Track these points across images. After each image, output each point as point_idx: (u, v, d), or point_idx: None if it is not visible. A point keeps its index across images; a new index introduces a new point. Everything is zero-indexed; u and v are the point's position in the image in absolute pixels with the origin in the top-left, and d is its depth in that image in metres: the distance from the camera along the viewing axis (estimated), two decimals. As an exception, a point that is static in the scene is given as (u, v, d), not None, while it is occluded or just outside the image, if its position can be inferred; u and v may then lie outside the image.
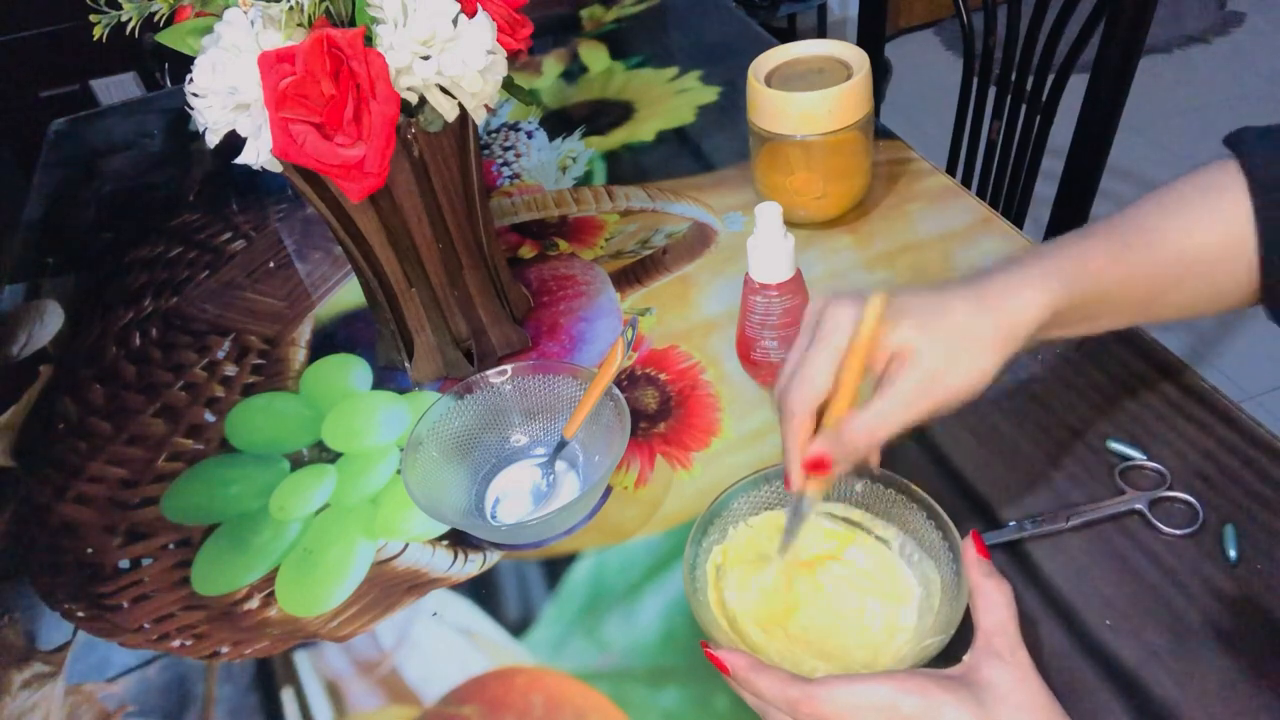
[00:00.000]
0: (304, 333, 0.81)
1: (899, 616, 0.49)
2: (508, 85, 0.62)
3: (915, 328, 0.44)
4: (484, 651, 0.55)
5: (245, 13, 0.53)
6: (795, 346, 0.47)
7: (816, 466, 0.44)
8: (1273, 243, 0.46)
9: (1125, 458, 0.56)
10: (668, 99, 1.05)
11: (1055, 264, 0.46)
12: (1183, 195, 0.48)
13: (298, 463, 0.69)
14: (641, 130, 1.00)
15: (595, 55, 1.17)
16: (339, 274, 0.87)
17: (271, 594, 0.60)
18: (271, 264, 0.91)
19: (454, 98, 0.57)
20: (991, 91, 1.07)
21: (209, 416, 0.74)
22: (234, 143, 0.56)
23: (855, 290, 0.46)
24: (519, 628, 0.55)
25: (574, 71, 1.14)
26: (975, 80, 1.09)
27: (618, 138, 0.99)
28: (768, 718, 0.43)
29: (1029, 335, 0.45)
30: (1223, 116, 2.25)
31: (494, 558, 0.60)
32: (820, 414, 0.45)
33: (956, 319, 0.44)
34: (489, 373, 0.65)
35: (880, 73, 1.34)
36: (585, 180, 0.93)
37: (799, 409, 0.45)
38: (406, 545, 0.61)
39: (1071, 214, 1.03)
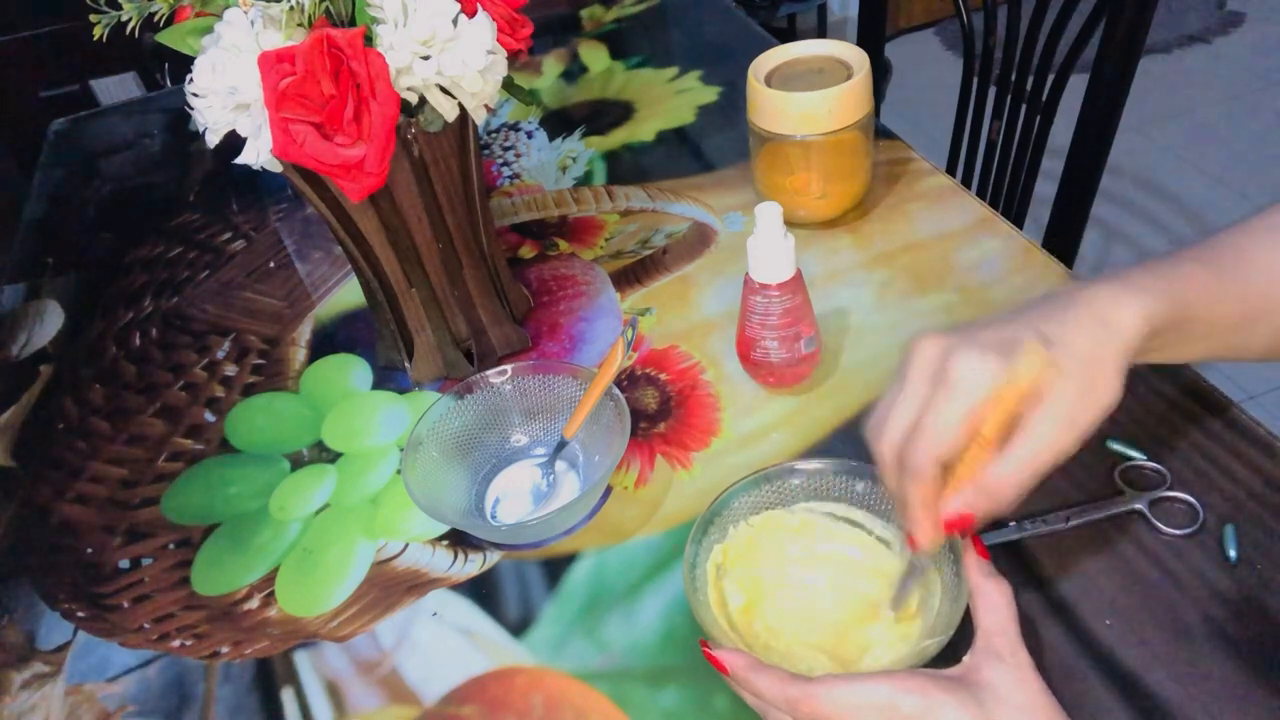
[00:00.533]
0: (304, 333, 0.81)
1: (895, 623, 0.49)
2: (508, 85, 0.62)
3: (1049, 365, 0.41)
4: (484, 651, 0.55)
5: (245, 13, 0.53)
6: (907, 392, 0.43)
7: (959, 525, 0.42)
8: None
9: (1125, 458, 0.56)
10: (668, 99, 1.05)
11: (1154, 278, 0.43)
12: (1261, 229, 0.47)
13: (298, 463, 0.69)
14: (641, 130, 1.00)
15: (595, 55, 1.17)
16: (339, 274, 0.87)
17: (271, 594, 0.60)
18: (271, 264, 0.91)
19: (454, 98, 0.57)
20: (991, 91, 1.07)
21: (209, 416, 0.74)
22: (234, 143, 0.56)
23: (971, 329, 0.43)
24: (519, 628, 0.55)
25: (574, 71, 1.14)
26: (975, 80, 1.09)
27: (618, 138, 0.99)
28: (767, 717, 0.43)
29: (1138, 347, 0.42)
30: (1223, 116, 2.25)
31: (494, 558, 0.60)
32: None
33: (1082, 346, 0.41)
34: (489, 373, 0.65)
35: (880, 73, 1.34)
36: (585, 180, 0.93)
37: (927, 465, 0.41)
38: (406, 545, 0.61)
39: (1071, 214, 1.03)
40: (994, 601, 0.42)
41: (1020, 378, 0.40)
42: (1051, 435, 0.40)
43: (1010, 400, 0.40)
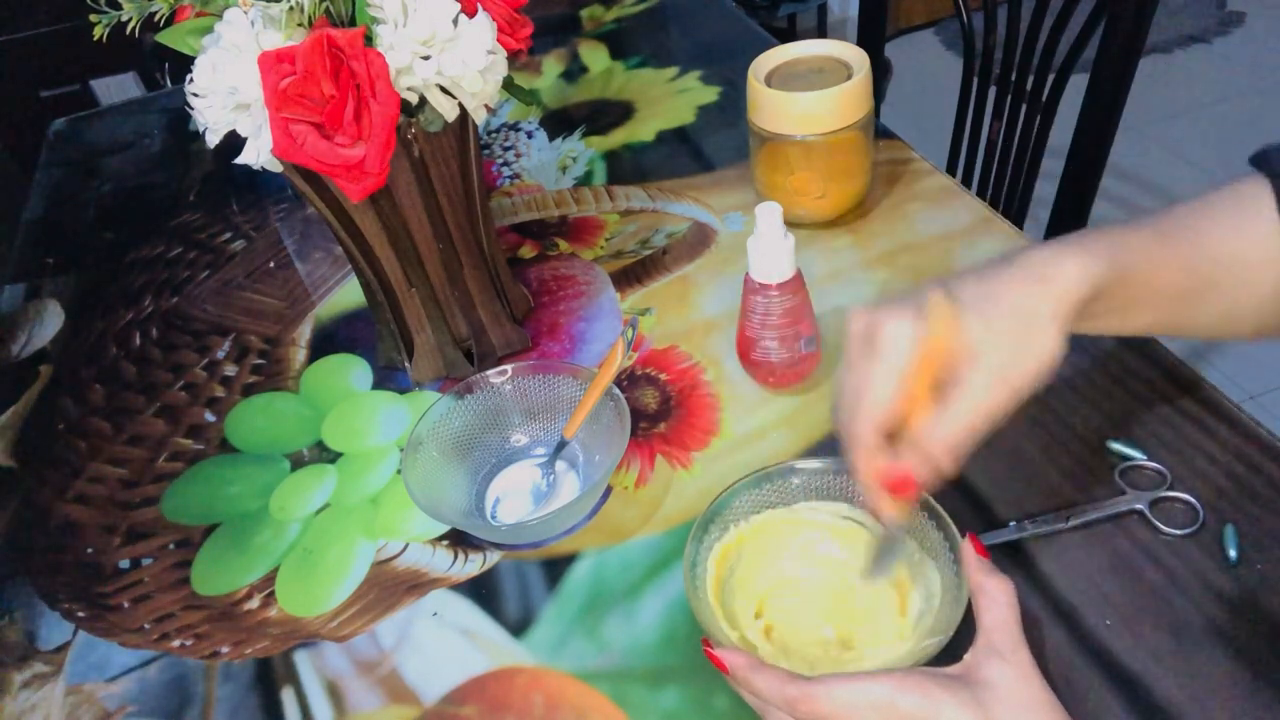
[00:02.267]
0: (304, 333, 0.81)
1: (898, 617, 0.49)
2: (508, 85, 0.62)
3: (974, 324, 0.41)
4: (484, 651, 0.55)
5: (245, 13, 0.53)
6: (847, 367, 0.43)
7: (900, 486, 0.42)
8: None
9: (1125, 458, 0.56)
10: (668, 99, 1.05)
11: (1096, 241, 0.43)
12: (1216, 203, 0.47)
13: (298, 463, 0.69)
14: (641, 130, 1.00)
15: (595, 55, 1.17)
16: (339, 274, 0.87)
17: (272, 594, 0.60)
18: (272, 264, 0.91)
19: (454, 98, 0.57)
20: (991, 91, 1.07)
21: (209, 416, 0.74)
22: (234, 143, 0.56)
23: (899, 297, 0.43)
24: (519, 628, 0.55)
25: (574, 71, 1.14)
26: (975, 80, 1.09)
27: (618, 138, 0.99)
28: (767, 717, 0.43)
29: (1079, 306, 0.42)
30: (1223, 116, 2.25)
31: (494, 558, 0.60)
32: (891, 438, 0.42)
33: (1012, 301, 0.41)
34: (489, 373, 0.65)
35: (880, 73, 1.34)
36: (585, 180, 0.93)
37: (867, 433, 0.42)
38: (406, 545, 0.61)
39: (1071, 214, 1.03)
40: (995, 599, 0.42)
41: (932, 331, 0.40)
42: (984, 392, 0.40)
43: (931, 355, 0.40)
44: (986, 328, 0.40)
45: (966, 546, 0.45)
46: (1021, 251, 0.43)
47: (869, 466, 0.42)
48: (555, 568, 0.58)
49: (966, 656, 0.41)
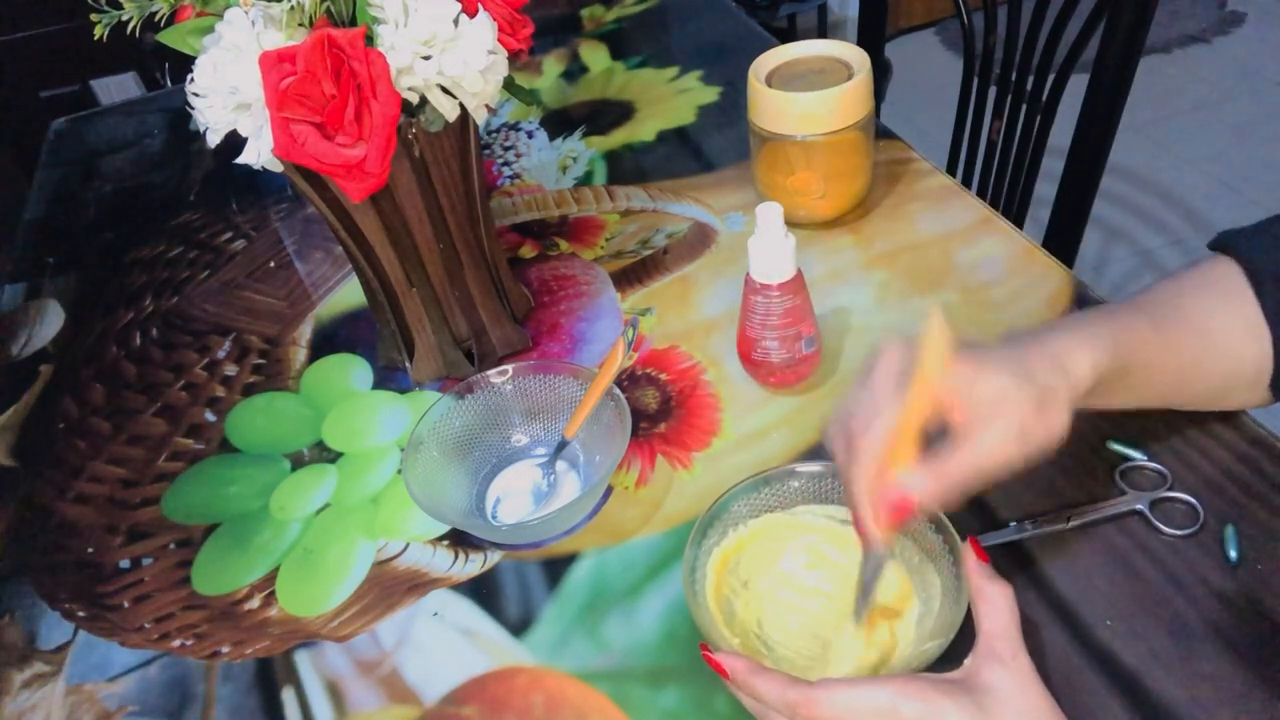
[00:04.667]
0: (304, 332, 0.81)
1: (898, 620, 0.49)
2: (508, 85, 0.62)
3: (1007, 376, 0.42)
4: (484, 651, 0.55)
5: (246, 12, 0.53)
6: (851, 396, 0.45)
7: (901, 510, 0.42)
8: None
9: (1126, 458, 0.56)
10: (668, 99, 1.05)
11: (1101, 328, 0.45)
12: (1193, 281, 0.49)
13: (298, 462, 0.69)
14: (642, 130, 1.00)
15: (596, 55, 1.17)
16: (339, 274, 0.87)
17: (272, 594, 0.60)
18: (272, 264, 0.91)
19: (455, 98, 0.57)
20: (991, 91, 1.07)
21: (209, 416, 0.74)
22: (234, 143, 0.56)
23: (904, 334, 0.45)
24: (519, 628, 0.55)
25: (574, 71, 1.14)
26: (975, 80, 1.09)
27: (618, 138, 0.99)
28: (767, 720, 0.43)
29: (1084, 395, 0.44)
30: (1223, 116, 2.25)
31: (494, 558, 0.60)
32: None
33: (1041, 374, 0.43)
34: (489, 373, 0.65)
35: (880, 73, 1.34)
36: (586, 180, 0.93)
37: (870, 452, 0.42)
38: (407, 545, 0.61)
39: (1071, 214, 1.03)
40: (995, 604, 0.42)
41: (929, 358, 0.41)
42: (1002, 441, 0.41)
43: (928, 385, 0.41)
44: (1017, 388, 0.42)
45: (967, 550, 0.45)
46: (1039, 334, 0.45)
47: (868, 484, 0.43)
48: (556, 568, 0.58)
49: (967, 662, 0.42)
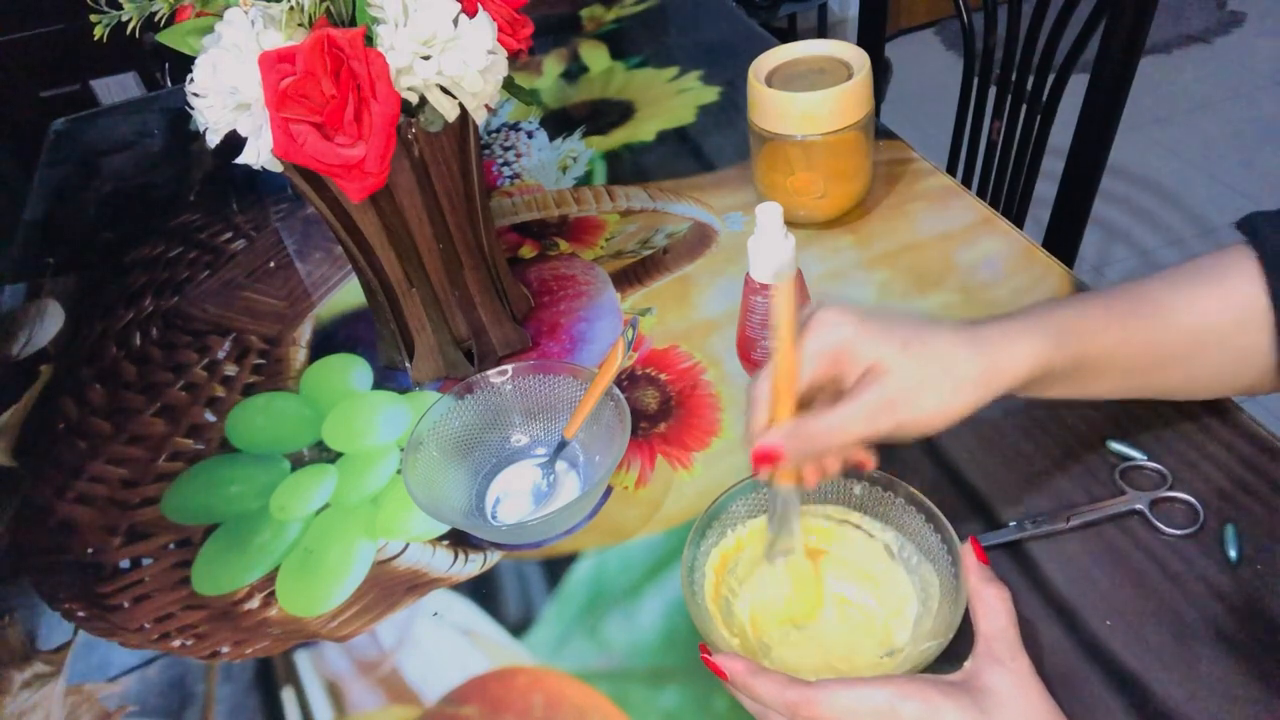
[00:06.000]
0: (304, 332, 0.81)
1: (897, 621, 0.49)
2: (508, 85, 0.62)
3: (894, 345, 0.43)
4: (484, 651, 0.55)
5: (246, 12, 0.53)
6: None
7: (765, 458, 0.44)
8: None
9: (1125, 458, 0.56)
10: (668, 99, 1.05)
11: (1051, 319, 0.46)
12: (1192, 272, 0.49)
13: (298, 463, 0.69)
14: (642, 130, 1.00)
15: (595, 55, 1.17)
16: (339, 274, 0.87)
17: (272, 594, 0.60)
18: (272, 264, 0.91)
19: (454, 98, 0.57)
20: (991, 91, 1.07)
21: (209, 416, 0.74)
22: (234, 143, 0.56)
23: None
24: (519, 628, 0.55)
25: (574, 71, 1.14)
26: (975, 80, 1.09)
27: (618, 138, 0.99)
28: (766, 720, 0.43)
29: (1015, 385, 0.45)
30: (1223, 116, 2.25)
31: (494, 558, 0.60)
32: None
33: (941, 348, 0.44)
34: (489, 373, 0.65)
35: (880, 73, 1.34)
36: (586, 180, 0.93)
37: (758, 403, 0.45)
38: (407, 545, 0.61)
39: (1071, 214, 1.03)
40: (993, 607, 0.42)
41: (778, 310, 0.43)
42: (870, 407, 0.43)
43: (787, 336, 0.43)
44: (903, 357, 0.43)
45: (967, 551, 0.45)
46: (985, 322, 0.46)
47: (753, 430, 0.45)
48: (555, 568, 0.58)
49: (967, 664, 0.42)
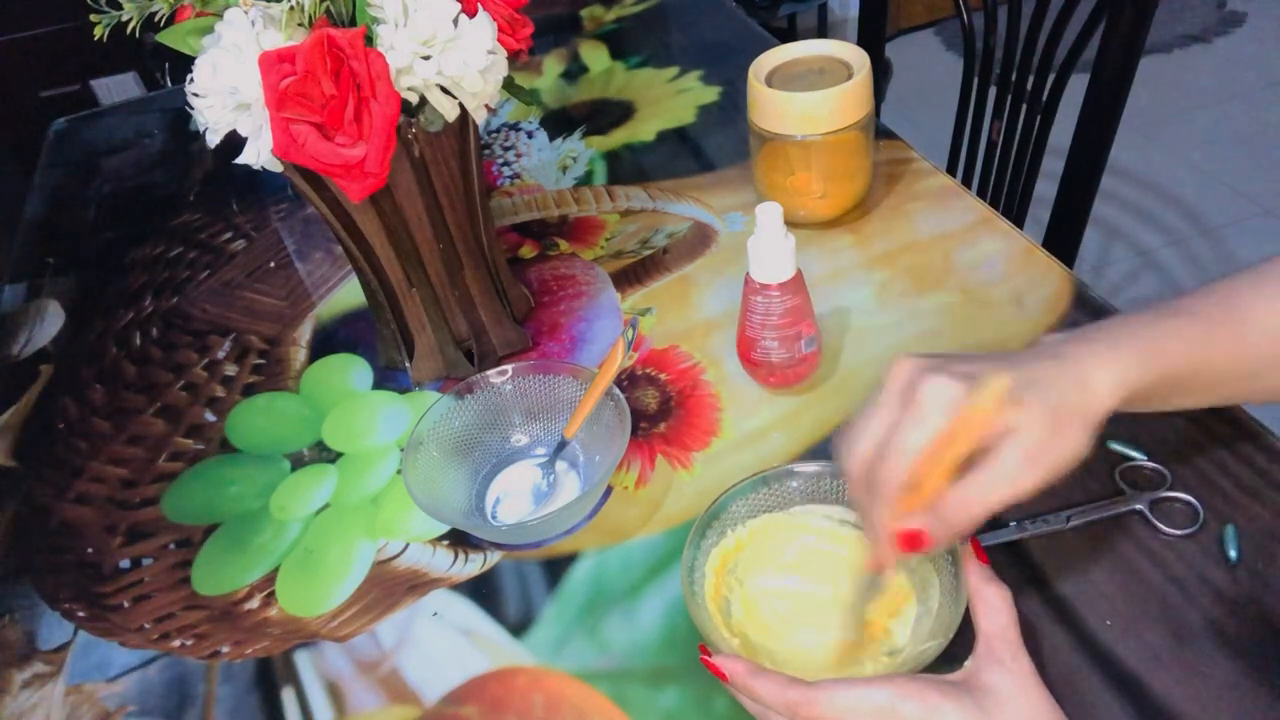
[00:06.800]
0: (304, 333, 0.81)
1: (897, 620, 0.49)
2: (508, 85, 0.62)
3: (1016, 402, 0.40)
4: (484, 651, 0.55)
5: (246, 12, 0.53)
6: (875, 412, 0.43)
7: (913, 542, 0.41)
8: None
9: (1126, 458, 0.56)
10: (668, 99, 1.05)
11: (1132, 345, 0.43)
12: (1247, 278, 0.46)
13: (298, 463, 0.69)
14: (642, 130, 1.00)
15: (595, 55, 1.17)
16: (339, 274, 0.87)
17: (272, 594, 0.60)
18: (272, 264, 0.91)
19: (454, 98, 0.57)
20: (991, 91, 1.07)
21: (209, 416, 0.74)
22: (234, 143, 0.56)
23: (943, 356, 0.43)
24: (519, 628, 0.55)
25: (574, 71, 1.14)
26: (975, 80, 1.09)
27: (618, 138, 0.99)
28: (767, 721, 0.43)
29: (1107, 414, 0.42)
30: (1223, 116, 2.25)
31: (494, 558, 0.60)
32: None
33: (1057, 394, 0.41)
34: (489, 373, 0.65)
35: (880, 73, 1.34)
36: (586, 180, 0.93)
37: (892, 485, 0.41)
38: (407, 545, 0.61)
39: (1071, 214, 1.03)
40: (994, 606, 0.42)
41: (981, 404, 0.40)
42: (1013, 470, 0.40)
43: (972, 426, 0.40)
44: (1030, 412, 0.40)
45: (967, 551, 0.45)
46: (1065, 344, 0.43)
47: (887, 516, 0.42)
48: (555, 568, 0.58)
49: (967, 664, 0.42)
